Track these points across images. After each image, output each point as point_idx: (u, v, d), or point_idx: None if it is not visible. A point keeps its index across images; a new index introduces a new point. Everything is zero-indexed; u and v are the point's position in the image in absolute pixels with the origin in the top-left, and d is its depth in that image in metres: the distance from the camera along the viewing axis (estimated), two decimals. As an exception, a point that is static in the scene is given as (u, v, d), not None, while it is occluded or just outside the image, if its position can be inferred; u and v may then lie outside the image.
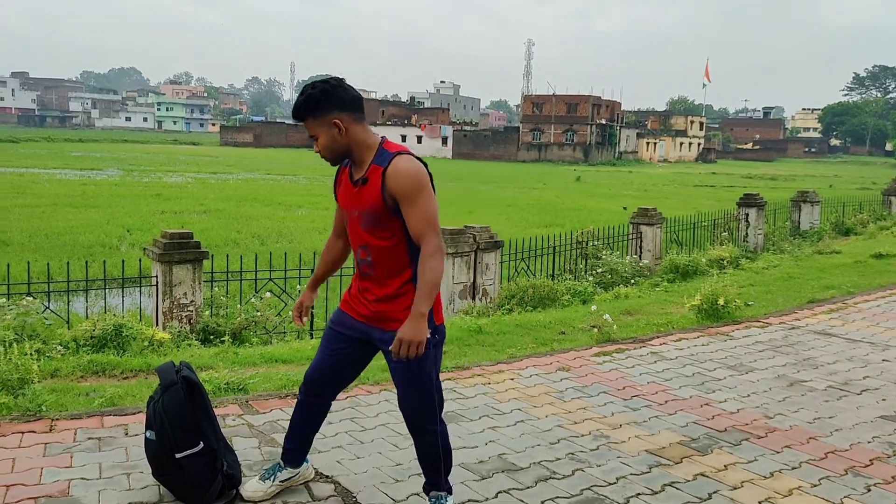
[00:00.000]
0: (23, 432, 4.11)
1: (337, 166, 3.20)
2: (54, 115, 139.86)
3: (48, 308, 7.35)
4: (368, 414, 4.62)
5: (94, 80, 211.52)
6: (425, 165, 3.03)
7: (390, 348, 2.97)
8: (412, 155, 3.03)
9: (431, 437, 3.24)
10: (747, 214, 15.89)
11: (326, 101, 2.96)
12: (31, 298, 6.77)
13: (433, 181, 3.03)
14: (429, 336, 2.94)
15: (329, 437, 4.21)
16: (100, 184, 30.79)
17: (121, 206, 22.42)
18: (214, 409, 4.20)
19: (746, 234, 15.78)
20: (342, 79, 3.07)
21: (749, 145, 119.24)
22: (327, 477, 3.72)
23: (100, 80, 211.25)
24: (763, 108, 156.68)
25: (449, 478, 3.34)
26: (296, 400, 3.50)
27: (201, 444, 3.34)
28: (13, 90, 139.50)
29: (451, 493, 3.34)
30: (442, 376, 5.40)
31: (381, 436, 4.29)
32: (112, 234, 17.14)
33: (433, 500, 3.32)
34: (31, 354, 4.82)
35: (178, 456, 3.29)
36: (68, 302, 8.40)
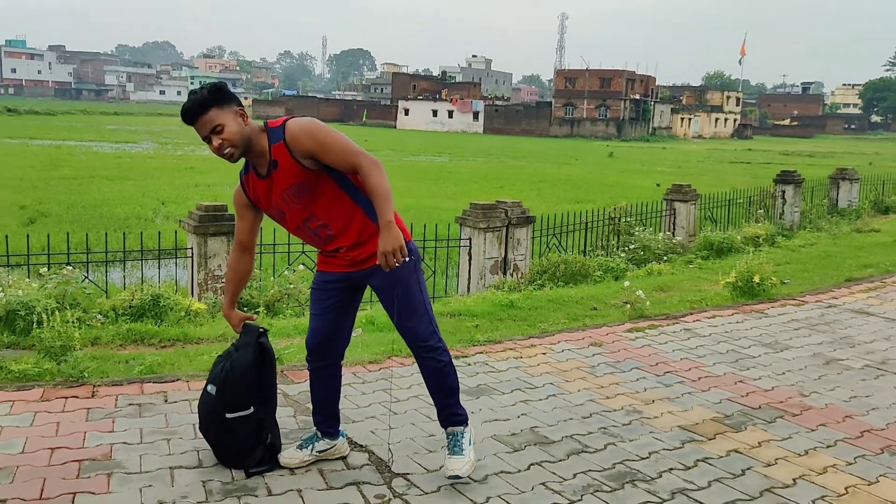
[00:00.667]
0: (66, 397, 4.21)
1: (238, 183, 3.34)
2: (90, 89, 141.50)
3: (87, 278, 7.49)
4: (402, 385, 4.66)
5: (128, 53, 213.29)
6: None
7: (377, 264, 3.04)
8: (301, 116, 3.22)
9: (436, 353, 3.36)
10: (784, 192, 15.63)
11: (224, 94, 3.06)
12: (70, 268, 6.90)
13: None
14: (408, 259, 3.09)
15: (363, 408, 4.27)
16: (135, 156, 31.18)
17: (155, 179, 22.69)
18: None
19: (783, 211, 15.54)
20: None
21: (787, 121, 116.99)
22: (361, 446, 3.77)
23: (134, 54, 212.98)
24: (802, 84, 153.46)
25: (479, 450, 3.40)
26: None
27: (251, 409, 3.37)
28: (50, 63, 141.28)
29: (467, 425, 3.44)
30: (474, 350, 5.47)
31: (414, 407, 4.33)
32: (147, 206, 17.37)
33: (450, 437, 3.40)
34: (72, 322, 4.93)
35: (228, 416, 3.32)
36: (106, 272, 8.55)
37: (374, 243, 3.11)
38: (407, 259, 3.04)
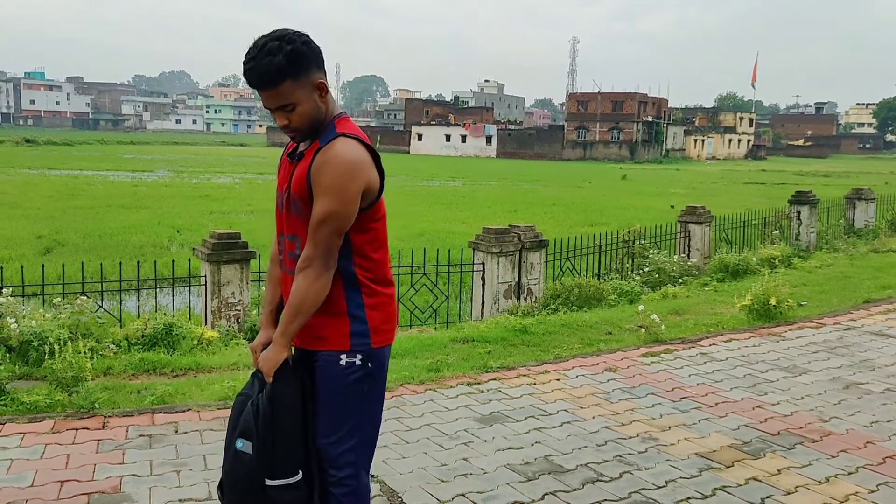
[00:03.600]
0: (77, 429, 4.20)
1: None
2: (107, 119, 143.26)
3: (101, 307, 7.51)
4: (413, 413, 4.62)
5: (145, 83, 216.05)
6: (377, 161, 2.46)
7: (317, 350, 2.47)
8: (363, 143, 2.43)
9: (342, 489, 2.51)
10: (799, 212, 15.50)
11: (311, 56, 2.37)
12: (84, 297, 6.92)
13: (383, 184, 2.48)
14: (345, 362, 2.44)
15: (375, 437, 4.22)
16: (150, 185, 31.42)
17: (171, 207, 22.84)
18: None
19: (798, 232, 15.40)
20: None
21: (801, 142, 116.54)
22: (372, 476, 3.71)
23: (151, 84, 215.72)
24: (815, 104, 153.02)
25: (492, 479, 3.32)
26: None
27: (300, 475, 2.46)
28: (68, 94, 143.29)
29: None
30: (487, 376, 5.41)
31: (426, 436, 4.28)
32: (162, 234, 17.46)
33: None
34: (84, 353, 4.92)
35: (269, 483, 2.42)
36: (121, 301, 8.57)
37: (330, 321, 2.45)
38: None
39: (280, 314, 2.51)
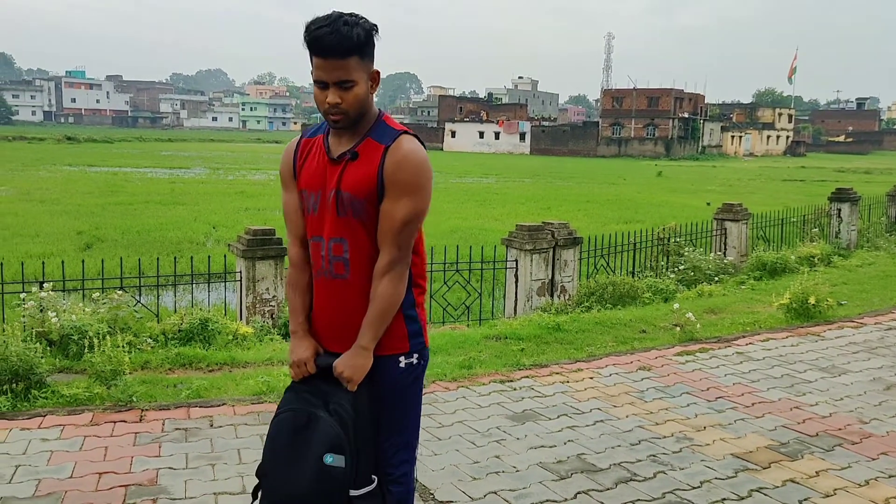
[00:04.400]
0: (115, 422, 4.27)
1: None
2: (146, 116, 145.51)
3: (139, 302, 7.62)
4: (446, 411, 4.62)
5: (182, 81, 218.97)
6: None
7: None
8: (418, 139, 2.41)
9: (399, 486, 2.49)
10: (839, 210, 15.22)
11: (372, 43, 2.31)
12: (122, 292, 7.03)
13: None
14: (404, 364, 2.43)
15: (407, 433, 4.23)
16: (187, 182, 31.83)
17: (207, 204, 23.11)
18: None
19: (839, 230, 15.12)
20: None
21: (841, 138, 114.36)
22: (405, 473, 3.72)
23: (188, 82, 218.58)
24: (856, 99, 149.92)
25: (524, 477, 3.30)
26: None
27: (375, 482, 2.43)
28: (108, 93, 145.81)
29: None
30: (519, 374, 5.40)
31: (458, 433, 4.28)
32: (199, 230, 17.68)
33: None
34: (122, 347, 5.01)
35: (353, 494, 2.35)
36: (158, 296, 8.70)
37: (391, 326, 2.40)
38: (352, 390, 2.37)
39: (347, 327, 2.40)
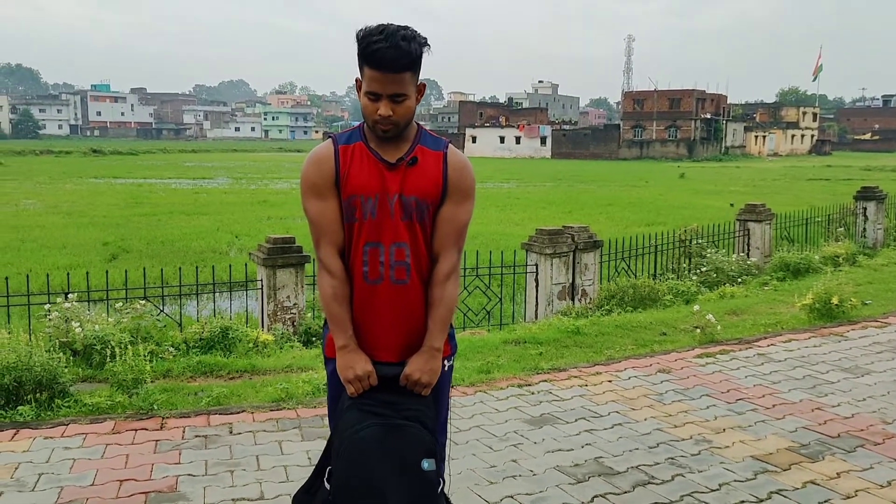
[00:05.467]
0: (136, 429, 4.33)
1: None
2: (170, 128, 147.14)
3: (162, 311, 7.72)
4: (464, 415, 4.62)
5: (205, 93, 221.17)
6: None
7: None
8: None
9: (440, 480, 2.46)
10: (865, 208, 15.04)
11: (421, 59, 2.34)
12: (144, 302, 7.12)
13: None
14: (447, 366, 2.53)
15: (424, 438, 4.24)
16: (211, 192, 32.13)
17: (230, 213, 23.31)
18: (312, 410, 4.31)
19: (864, 229, 14.94)
20: None
21: (868, 136, 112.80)
22: (422, 477, 3.73)
23: (211, 93, 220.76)
24: (882, 97, 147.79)
25: (541, 481, 3.30)
26: None
27: (442, 481, 2.49)
28: (132, 105, 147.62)
29: None
30: (538, 378, 5.39)
31: (476, 437, 4.28)
32: (222, 240, 17.83)
33: None
34: (144, 356, 5.07)
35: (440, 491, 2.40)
36: (181, 305, 8.80)
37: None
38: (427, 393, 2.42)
39: (411, 334, 2.41)
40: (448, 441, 2.67)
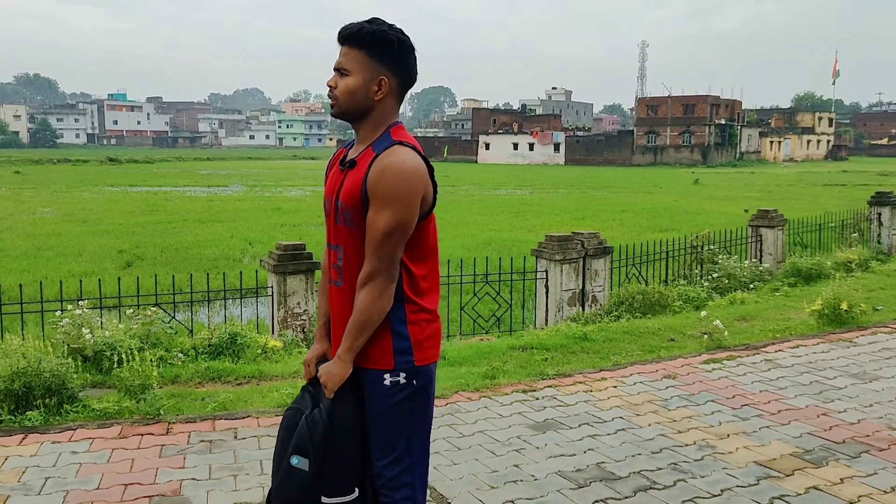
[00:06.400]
0: (142, 434, 4.37)
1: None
2: (185, 136, 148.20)
3: (174, 318, 7.78)
4: (467, 420, 4.64)
5: (220, 101, 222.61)
6: (431, 172, 2.40)
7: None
8: (418, 153, 2.38)
9: None
10: (880, 214, 14.93)
11: (392, 51, 2.36)
12: (154, 309, 7.19)
13: (436, 196, 2.41)
14: (389, 382, 2.37)
15: (427, 443, 4.25)
16: (225, 199, 32.32)
17: (244, 221, 23.45)
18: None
19: (879, 234, 14.83)
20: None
21: (884, 140, 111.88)
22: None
23: (226, 102, 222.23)
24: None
25: (542, 486, 3.31)
26: None
27: (356, 493, 2.40)
28: (148, 114, 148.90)
29: None
30: (542, 384, 5.39)
31: (478, 442, 4.30)
32: (235, 247, 17.94)
33: None
34: (152, 362, 5.12)
35: (324, 501, 2.37)
36: (192, 312, 8.86)
37: (372, 339, 2.36)
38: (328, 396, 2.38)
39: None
40: (431, 463, 2.60)
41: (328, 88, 2.43)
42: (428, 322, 2.43)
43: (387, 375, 2.36)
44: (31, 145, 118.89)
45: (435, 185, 2.40)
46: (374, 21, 2.37)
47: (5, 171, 52.40)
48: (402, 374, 2.36)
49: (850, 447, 4.22)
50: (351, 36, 2.35)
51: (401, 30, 2.39)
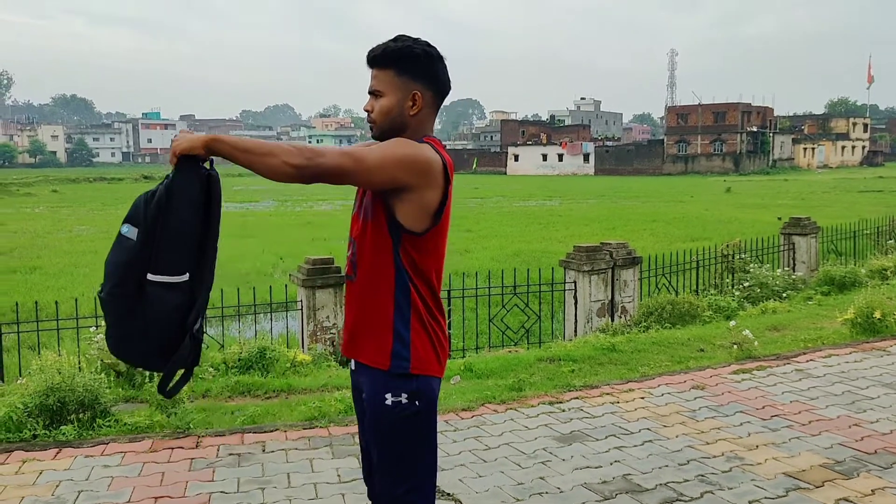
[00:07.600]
0: (172, 448, 4.44)
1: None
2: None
3: (205, 333, 7.89)
4: (493, 433, 4.64)
5: (251, 118, 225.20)
6: (446, 167, 2.35)
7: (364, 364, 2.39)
8: (440, 149, 2.39)
9: None
10: (915, 220, 14.67)
11: (421, 64, 2.38)
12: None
13: (446, 202, 2.36)
14: (391, 402, 2.31)
15: (452, 456, 4.27)
16: (257, 215, 32.70)
17: (275, 235, 23.69)
18: (343, 429, 4.38)
19: (915, 240, 14.56)
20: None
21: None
22: (448, 494, 3.77)
23: (257, 118, 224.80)
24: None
25: (567, 498, 3.30)
26: None
27: (186, 276, 2.26)
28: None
29: None
30: (569, 395, 5.38)
31: (504, 455, 4.30)
32: (267, 262, 18.14)
33: None
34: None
35: (150, 277, 2.22)
36: (223, 327, 8.97)
37: (376, 332, 2.36)
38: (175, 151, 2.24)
39: (352, 330, 2.41)
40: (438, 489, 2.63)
41: (365, 113, 2.44)
42: (434, 333, 2.39)
43: (388, 396, 2.32)
44: (69, 164, 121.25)
45: (448, 191, 2.37)
46: (398, 39, 2.39)
47: (43, 190, 53.55)
48: (404, 395, 2.32)
49: (883, 458, 4.16)
50: (378, 57, 2.38)
51: (426, 42, 2.41)
